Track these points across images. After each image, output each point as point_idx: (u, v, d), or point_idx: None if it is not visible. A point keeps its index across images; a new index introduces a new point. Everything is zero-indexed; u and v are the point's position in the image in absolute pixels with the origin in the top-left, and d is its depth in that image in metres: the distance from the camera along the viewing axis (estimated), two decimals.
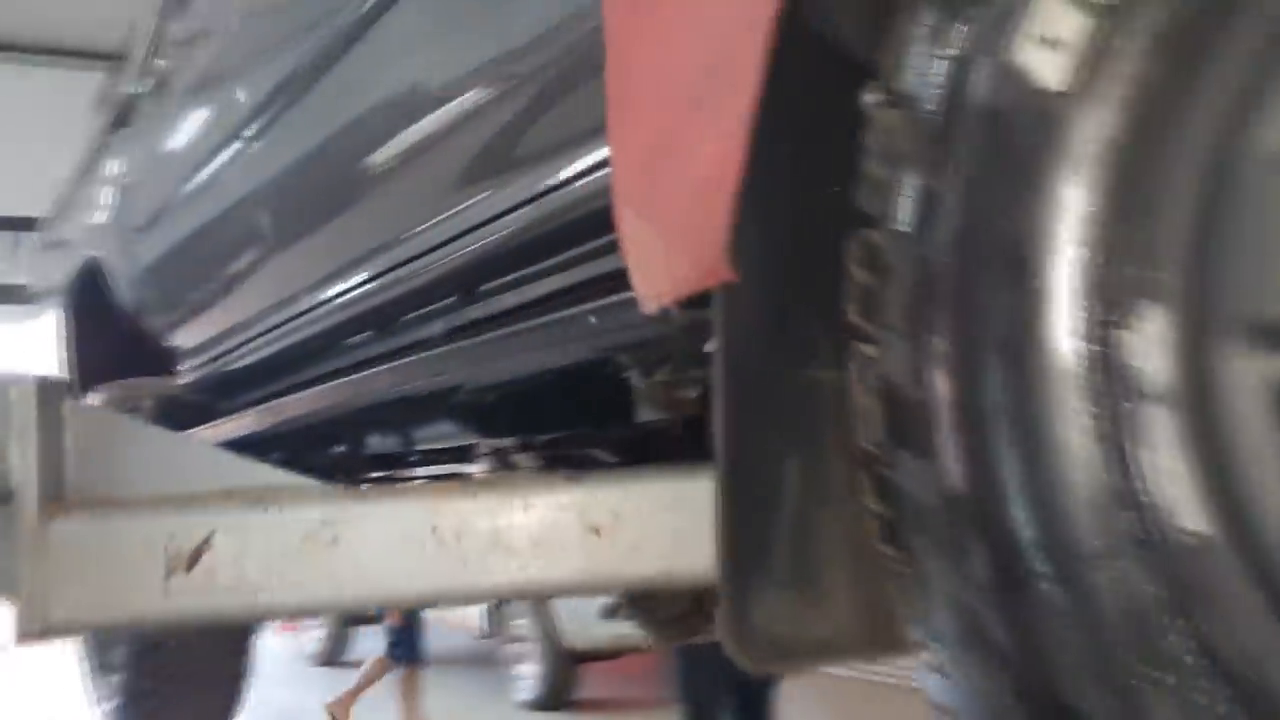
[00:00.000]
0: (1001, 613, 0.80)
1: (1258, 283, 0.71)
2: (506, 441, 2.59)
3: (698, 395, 1.87)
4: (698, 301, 1.02)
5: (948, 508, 0.82)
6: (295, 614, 1.22)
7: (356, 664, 8.18)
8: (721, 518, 0.95)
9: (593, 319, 1.26)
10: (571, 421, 2.25)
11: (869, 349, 0.88)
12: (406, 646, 4.88)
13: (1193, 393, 0.73)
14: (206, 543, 1.21)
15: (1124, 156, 0.74)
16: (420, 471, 3.10)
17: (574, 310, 1.32)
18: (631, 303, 1.32)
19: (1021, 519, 0.78)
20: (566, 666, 6.47)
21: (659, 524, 1.24)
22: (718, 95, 0.91)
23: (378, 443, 2.87)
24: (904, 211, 0.84)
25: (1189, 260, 0.73)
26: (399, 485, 1.28)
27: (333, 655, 8.31)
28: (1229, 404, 0.72)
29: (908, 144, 0.84)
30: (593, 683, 6.68)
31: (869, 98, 0.97)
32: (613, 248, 1.48)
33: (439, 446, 2.79)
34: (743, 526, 0.96)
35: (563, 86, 1.39)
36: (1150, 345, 0.73)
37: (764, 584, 0.98)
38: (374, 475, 3.10)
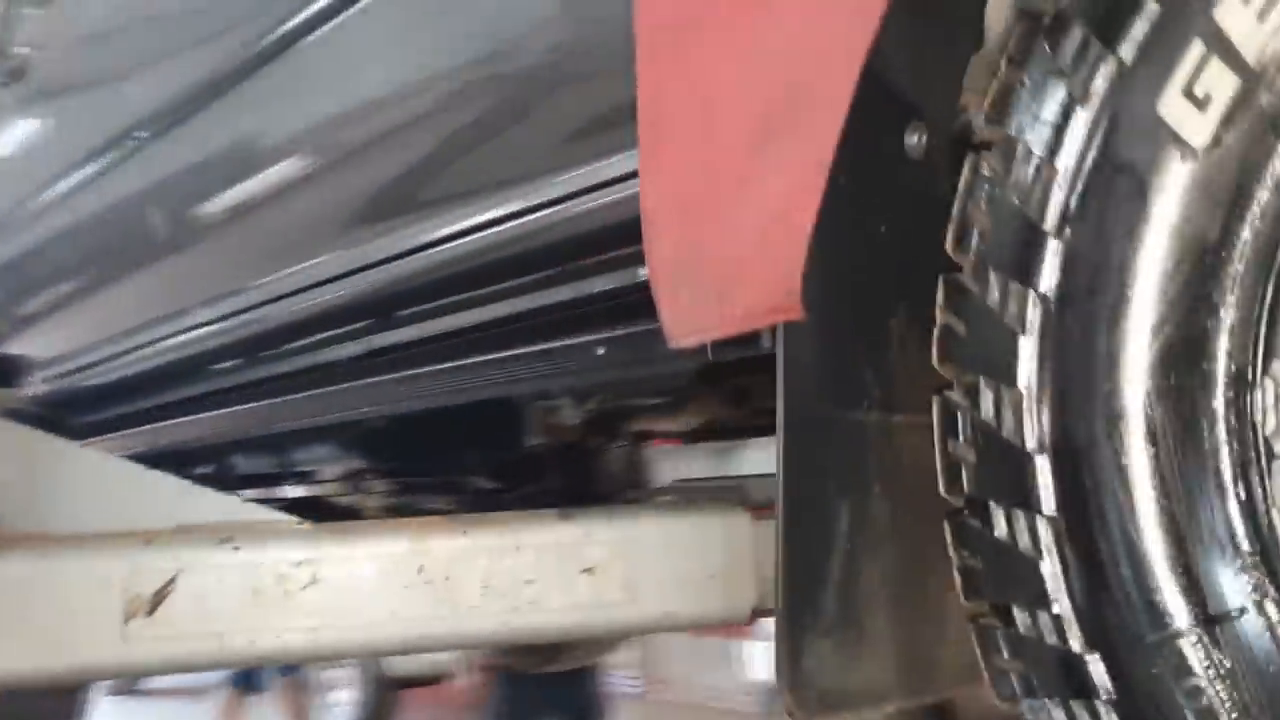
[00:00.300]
0: (1112, 665, 0.79)
1: None
2: (359, 464, 2.49)
3: (578, 423, 1.83)
4: (738, 340, 0.99)
5: (1049, 561, 0.81)
6: (268, 662, 1.13)
7: (151, 694, 7.76)
8: (783, 563, 0.92)
9: (600, 350, 1.21)
10: (454, 448, 2.17)
11: (956, 395, 0.86)
12: (247, 673, 4.69)
13: None
14: (170, 584, 1.10)
15: (1264, 216, 0.74)
16: (284, 492, 2.95)
17: (580, 339, 1.26)
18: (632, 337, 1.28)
19: (1136, 576, 0.77)
20: (385, 692, 6.30)
21: (654, 566, 1.20)
22: (795, 124, 0.88)
23: (242, 464, 2.71)
24: (1005, 256, 0.83)
25: None
26: (382, 522, 1.20)
27: (127, 683, 7.82)
28: None
29: (1012, 188, 0.83)
30: (412, 709, 6.52)
31: (911, 138, 0.96)
32: (564, 279, 1.43)
33: (294, 470, 2.67)
34: (801, 572, 0.93)
35: (503, 116, 1.33)
36: None
37: (814, 631, 0.95)
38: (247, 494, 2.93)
